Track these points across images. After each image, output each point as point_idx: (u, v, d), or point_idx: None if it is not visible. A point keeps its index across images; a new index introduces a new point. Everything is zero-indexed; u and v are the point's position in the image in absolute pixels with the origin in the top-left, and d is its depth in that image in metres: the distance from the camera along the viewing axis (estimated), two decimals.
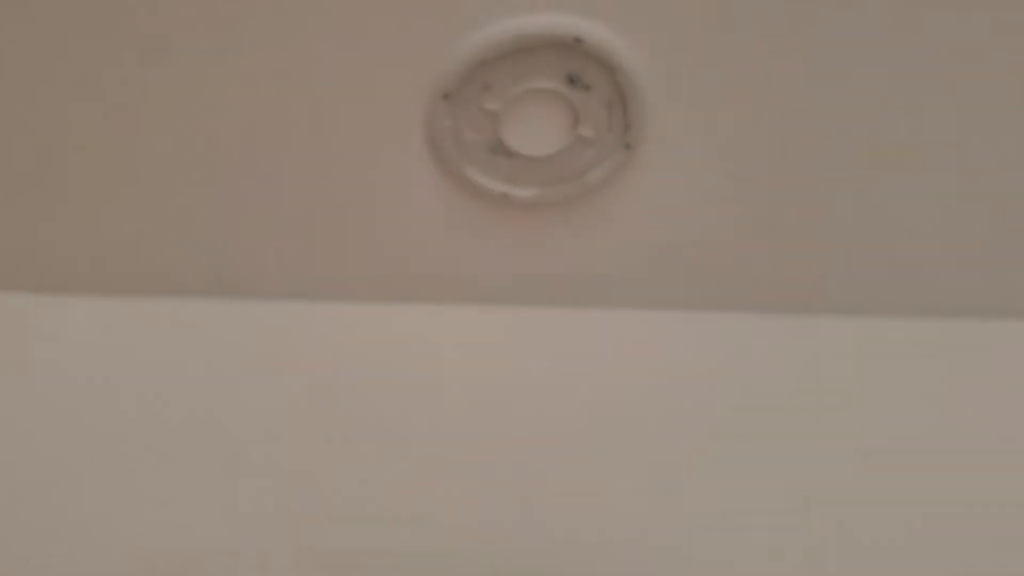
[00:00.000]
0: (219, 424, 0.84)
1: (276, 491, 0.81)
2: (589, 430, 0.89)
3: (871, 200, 0.91)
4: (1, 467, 0.80)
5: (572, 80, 0.84)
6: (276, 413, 0.86)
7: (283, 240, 0.93)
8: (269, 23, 0.79)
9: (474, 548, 0.79)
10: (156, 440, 0.83)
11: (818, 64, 0.79)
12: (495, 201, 0.95)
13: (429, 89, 0.85)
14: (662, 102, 0.87)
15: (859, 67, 0.79)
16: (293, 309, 0.94)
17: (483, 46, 0.81)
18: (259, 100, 0.85)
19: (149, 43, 0.79)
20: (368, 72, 0.83)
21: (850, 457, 0.84)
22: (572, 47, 0.81)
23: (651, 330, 0.97)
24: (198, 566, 0.77)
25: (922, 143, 0.81)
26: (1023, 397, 0.85)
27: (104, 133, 0.83)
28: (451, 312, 1.02)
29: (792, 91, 0.84)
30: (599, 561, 0.79)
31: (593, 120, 0.88)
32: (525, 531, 0.80)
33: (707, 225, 0.97)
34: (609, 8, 0.79)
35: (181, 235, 0.95)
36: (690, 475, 0.85)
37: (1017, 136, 0.77)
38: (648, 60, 0.83)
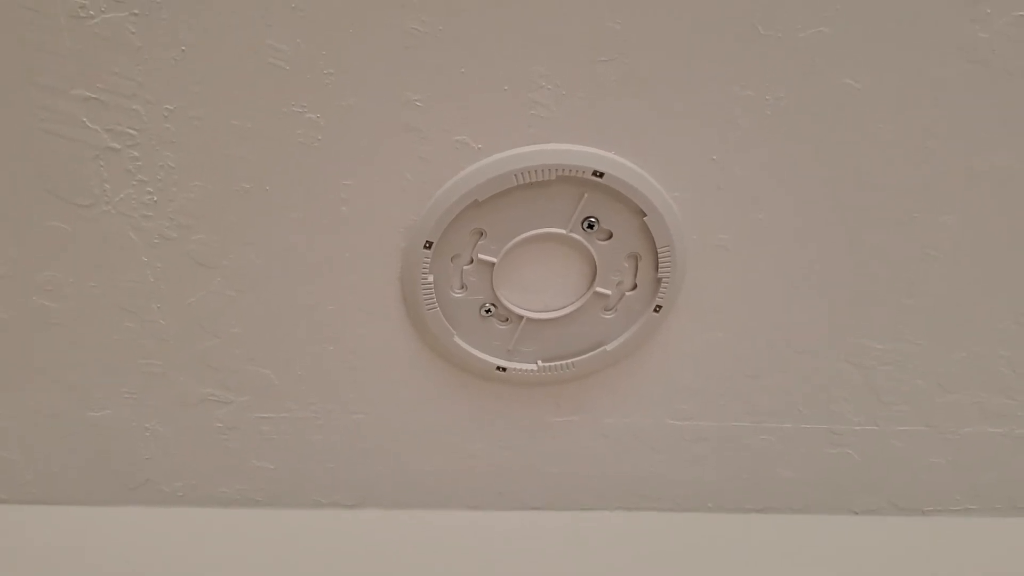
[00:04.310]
0: None
1: None
2: None
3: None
4: None
5: (589, 226, 0.67)
6: None
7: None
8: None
9: None
10: None
11: None
12: (489, 377, 0.74)
13: (408, 235, 0.66)
14: (701, 255, 0.69)
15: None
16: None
17: (476, 182, 0.63)
18: None
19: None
20: (335, 218, 0.65)
21: None
22: (590, 183, 0.64)
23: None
24: None
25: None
26: None
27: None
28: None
29: None
30: None
31: (614, 275, 0.69)
32: None
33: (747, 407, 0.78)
34: (636, 141, 0.62)
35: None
36: None
37: None
38: (684, 203, 0.66)
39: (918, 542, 0.88)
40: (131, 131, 0.60)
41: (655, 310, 0.70)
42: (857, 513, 0.88)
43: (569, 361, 0.73)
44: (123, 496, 0.81)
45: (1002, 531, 0.90)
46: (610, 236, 0.67)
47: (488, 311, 0.71)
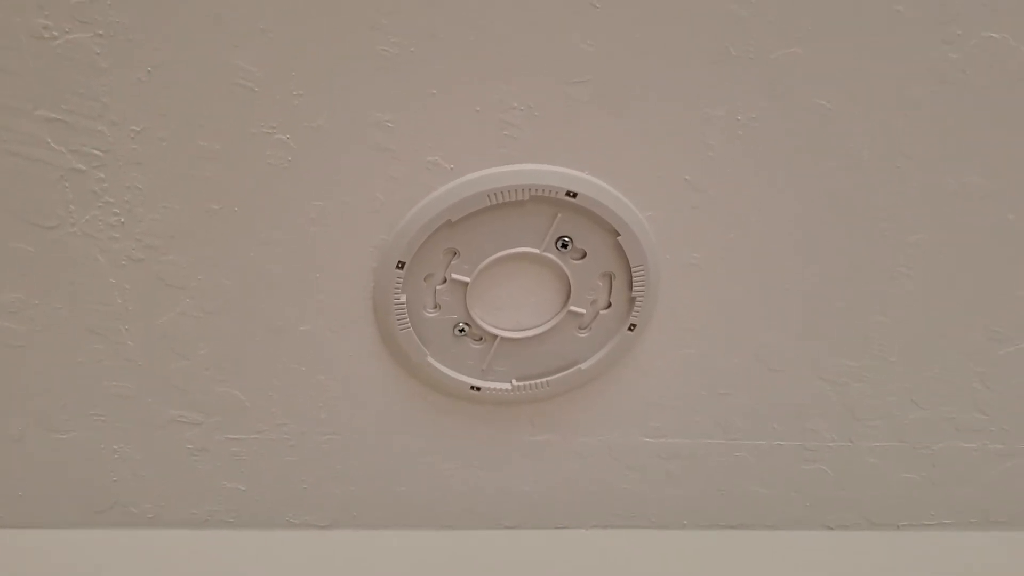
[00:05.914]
0: None
1: None
2: None
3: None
4: None
5: (563, 245, 0.66)
6: None
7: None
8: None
9: None
10: None
11: None
12: (464, 396, 0.74)
13: (380, 256, 0.66)
14: (675, 274, 0.69)
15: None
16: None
17: (449, 202, 0.63)
18: None
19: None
20: (306, 239, 0.64)
21: None
22: (564, 203, 0.64)
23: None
24: None
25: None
26: None
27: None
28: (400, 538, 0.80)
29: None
30: None
31: (588, 294, 0.69)
32: None
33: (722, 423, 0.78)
34: (608, 161, 0.62)
35: None
36: None
37: None
38: (657, 222, 0.66)
39: (893, 557, 0.88)
40: (97, 152, 0.59)
41: (629, 328, 0.70)
42: (832, 529, 0.88)
43: (544, 380, 0.73)
44: (91, 519, 0.80)
45: (976, 545, 0.90)
46: (584, 255, 0.67)
47: (462, 330, 0.70)
